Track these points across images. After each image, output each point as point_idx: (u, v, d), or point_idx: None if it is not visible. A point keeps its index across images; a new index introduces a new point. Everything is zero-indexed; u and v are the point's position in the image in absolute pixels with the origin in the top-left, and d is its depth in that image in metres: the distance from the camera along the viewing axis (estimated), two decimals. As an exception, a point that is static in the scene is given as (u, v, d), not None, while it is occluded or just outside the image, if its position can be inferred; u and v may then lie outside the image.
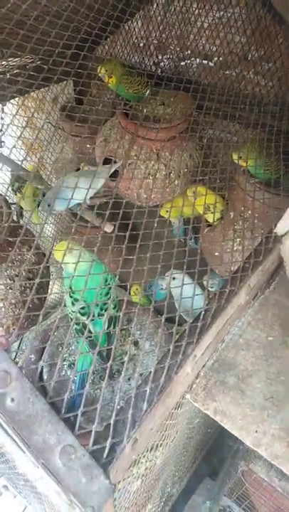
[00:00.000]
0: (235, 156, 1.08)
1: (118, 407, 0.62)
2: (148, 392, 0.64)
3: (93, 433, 0.58)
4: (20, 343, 1.36)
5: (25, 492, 1.21)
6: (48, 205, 1.03)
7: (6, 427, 0.58)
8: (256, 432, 0.79)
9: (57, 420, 0.55)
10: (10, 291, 0.93)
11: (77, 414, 0.59)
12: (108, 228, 1.12)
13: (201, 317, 0.72)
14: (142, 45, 1.53)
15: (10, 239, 0.70)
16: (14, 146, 0.77)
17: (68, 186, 0.87)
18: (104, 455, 0.57)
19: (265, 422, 0.79)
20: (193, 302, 0.79)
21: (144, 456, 0.83)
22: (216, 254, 1.20)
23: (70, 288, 0.78)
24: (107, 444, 0.58)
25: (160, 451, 0.90)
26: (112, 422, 0.60)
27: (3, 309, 0.91)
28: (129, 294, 1.79)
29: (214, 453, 1.86)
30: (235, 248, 1.19)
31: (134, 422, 0.62)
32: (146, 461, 0.85)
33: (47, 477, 0.56)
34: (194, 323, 0.71)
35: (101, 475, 0.54)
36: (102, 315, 0.84)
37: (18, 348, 1.30)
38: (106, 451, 0.58)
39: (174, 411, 0.82)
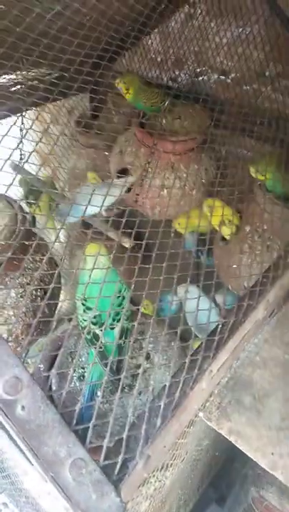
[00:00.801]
0: (252, 170, 1.07)
1: (130, 422, 0.59)
2: (162, 407, 0.61)
3: (105, 447, 0.55)
4: (26, 353, 1.33)
5: (26, 510, 1.16)
6: (62, 215, 1.03)
7: (14, 436, 0.56)
8: (272, 454, 0.75)
9: (68, 432, 0.53)
10: (21, 299, 0.91)
11: (87, 427, 0.56)
12: (126, 243, 1.11)
13: (218, 331, 0.70)
14: (159, 60, 1.56)
15: (25, 242, 0.69)
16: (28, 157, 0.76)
17: (83, 194, 0.86)
18: (116, 471, 0.55)
19: (282, 443, 0.76)
20: (207, 316, 0.77)
21: (153, 476, 0.79)
22: (230, 268, 1.18)
23: (84, 296, 0.76)
24: (119, 459, 0.55)
25: (170, 471, 0.87)
26: (124, 437, 0.57)
27: (13, 317, 0.89)
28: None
29: (222, 477, 1.79)
30: (249, 263, 1.17)
31: (148, 437, 0.59)
32: (155, 481, 0.82)
33: (55, 492, 0.53)
34: (211, 337, 0.69)
35: (112, 492, 0.51)
36: (114, 326, 0.82)
37: (25, 358, 1.28)
38: (118, 467, 0.55)
39: (186, 429, 0.79)
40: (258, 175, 1.06)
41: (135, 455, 0.57)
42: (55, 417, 0.52)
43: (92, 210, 0.81)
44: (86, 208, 0.76)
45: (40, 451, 0.51)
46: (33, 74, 1.20)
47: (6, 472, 1.12)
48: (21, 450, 0.57)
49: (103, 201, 0.79)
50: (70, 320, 1.58)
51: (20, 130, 1.07)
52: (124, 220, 0.78)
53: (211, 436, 1.34)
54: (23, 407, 0.51)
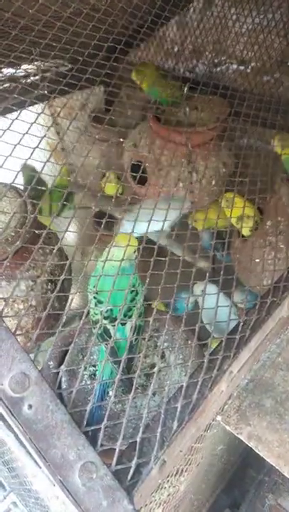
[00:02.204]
0: (276, 141, 1.02)
1: (144, 424, 0.55)
2: (179, 409, 0.57)
3: (117, 451, 0.51)
4: (37, 349, 1.30)
5: (35, 511, 1.13)
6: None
7: (21, 437, 0.52)
8: (296, 461, 0.70)
9: (78, 433, 0.49)
10: (31, 292, 0.88)
11: (98, 429, 0.52)
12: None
13: (239, 329, 0.65)
14: (176, 50, 1.51)
15: (37, 232, 0.66)
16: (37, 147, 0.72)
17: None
18: (129, 476, 0.51)
19: (306, 451, 0.71)
20: (224, 315, 0.73)
21: (167, 481, 0.75)
22: (249, 265, 1.13)
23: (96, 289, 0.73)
24: (133, 464, 0.51)
25: (185, 476, 0.82)
26: (138, 440, 0.53)
27: (23, 311, 0.86)
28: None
29: (235, 483, 1.74)
30: (269, 261, 1.11)
31: (163, 441, 0.55)
32: (169, 487, 0.77)
33: (64, 497, 0.49)
34: (232, 336, 0.64)
35: (124, 499, 0.48)
36: (125, 321, 0.79)
37: (36, 353, 1.24)
38: (131, 472, 0.51)
39: (204, 433, 0.74)
40: (277, 147, 1.01)
41: (150, 460, 0.53)
42: (64, 418, 0.49)
43: (155, 227, 0.77)
44: (149, 225, 0.71)
45: (48, 453, 0.48)
46: (47, 65, 1.17)
47: (15, 472, 1.09)
48: (28, 451, 0.53)
49: (165, 217, 0.74)
50: (81, 317, 1.55)
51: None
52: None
53: (226, 441, 1.29)
54: (30, 406, 0.48)
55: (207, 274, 0.73)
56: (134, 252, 0.79)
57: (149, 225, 0.69)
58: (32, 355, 0.53)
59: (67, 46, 0.79)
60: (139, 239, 0.80)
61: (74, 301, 1.50)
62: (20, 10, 0.75)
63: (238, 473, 1.79)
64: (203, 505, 1.62)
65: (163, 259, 0.68)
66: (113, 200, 0.78)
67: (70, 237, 1.81)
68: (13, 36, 0.74)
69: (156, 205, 0.73)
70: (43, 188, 1.06)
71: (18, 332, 0.52)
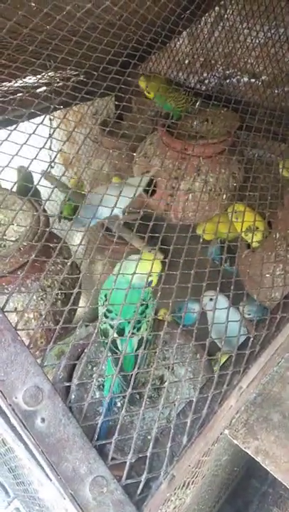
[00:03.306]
0: (280, 165, 1.03)
1: (154, 438, 0.55)
2: (188, 424, 0.57)
3: (128, 465, 0.52)
4: (42, 359, 1.31)
5: (39, 519, 1.13)
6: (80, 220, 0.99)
7: (32, 449, 0.53)
8: (303, 477, 0.70)
9: (89, 447, 0.50)
10: (41, 302, 0.89)
11: (108, 443, 0.53)
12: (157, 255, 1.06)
13: (249, 344, 0.65)
14: (187, 62, 1.53)
15: (49, 244, 0.67)
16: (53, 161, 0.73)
17: (97, 194, 0.80)
18: (139, 491, 0.51)
19: (313, 467, 0.70)
20: (234, 329, 0.73)
21: (174, 494, 0.75)
22: (256, 278, 1.13)
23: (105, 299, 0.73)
24: (142, 478, 0.52)
25: (191, 489, 0.82)
26: (148, 454, 0.54)
27: (33, 320, 0.87)
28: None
29: (239, 494, 1.73)
30: (277, 273, 1.12)
31: (172, 456, 0.56)
32: (176, 499, 0.77)
33: (73, 510, 0.50)
34: (241, 351, 0.65)
35: (134, 513, 0.48)
36: (134, 334, 0.79)
37: (42, 363, 1.25)
38: (140, 486, 0.51)
39: (212, 447, 0.74)
40: (285, 171, 1.02)
41: (159, 474, 0.54)
42: (76, 431, 0.49)
43: (105, 212, 0.77)
44: (97, 209, 0.72)
45: (59, 466, 0.48)
46: (60, 75, 1.19)
47: (20, 479, 1.09)
48: (39, 463, 0.54)
49: (116, 202, 0.74)
50: (87, 325, 1.56)
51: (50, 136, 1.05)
52: (149, 224, 0.74)
53: (231, 452, 1.29)
54: (43, 420, 0.48)
55: (218, 288, 0.73)
56: (150, 276, 0.77)
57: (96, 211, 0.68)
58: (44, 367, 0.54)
59: (82, 61, 0.81)
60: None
61: (80, 309, 1.50)
62: (37, 25, 0.76)
63: (242, 484, 1.78)
64: (206, 515, 1.61)
65: (174, 273, 0.68)
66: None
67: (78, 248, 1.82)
68: (30, 51, 0.76)
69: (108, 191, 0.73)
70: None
71: (31, 345, 0.52)
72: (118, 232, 1.17)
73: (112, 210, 0.73)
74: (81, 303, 1.41)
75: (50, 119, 1.09)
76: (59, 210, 1.49)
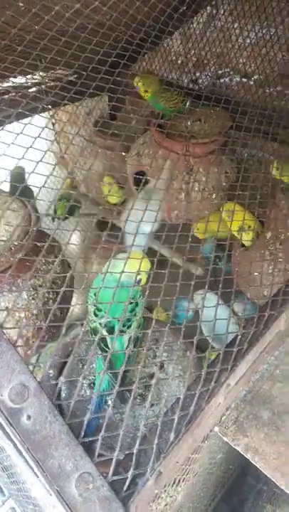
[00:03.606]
0: (275, 165, 1.03)
1: (141, 435, 0.56)
2: (176, 421, 0.58)
3: (114, 461, 0.52)
4: (38, 358, 1.31)
5: (33, 518, 1.13)
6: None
7: (19, 446, 0.53)
8: (292, 474, 0.71)
9: (75, 444, 0.50)
10: (32, 301, 0.89)
11: (96, 440, 0.53)
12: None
13: (237, 342, 0.66)
14: (179, 62, 1.53)
15: (37, 244, 0.67)
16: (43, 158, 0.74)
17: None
18: (125, 487, 0.51)
19: (302, 463, 0.71)
20: (225, 326, 0.73)
21: (165, 491, 0.76)
22: (249, 276, 1.14)
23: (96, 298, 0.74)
24: (129, 475, 0.52)
25: (182, 486, 0.83)
26: (134, 451, 0.54)
27: (24, 320, 0.87)
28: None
29: (234, 492, 1.73)
30: (270, 271, 1.12)
31: (159, 453, 0.56)
32: (166, 497, 0.78)
33: (60, 507, 0.50)
34: (229, 349, 0.65)
35: (120, 509, 0.48)
36: (124, 332, 0.79)
37: (36, 363, 1.25)
38: (127, 483, 0.52)
39: (201, 444, 0.75)
40: (277, 173, 1.02)
41: (146, 471, 0.54)
42: (62, 428, 0.50)
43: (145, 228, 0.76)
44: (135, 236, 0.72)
45: (45, 463, 0.49)
46: (52, 74, 1.19)
47: (14, 478, 1.10)
48: (26, 461, 0.54)
49: (155, 219, 0.75)
50: (82, 324, 1.56)
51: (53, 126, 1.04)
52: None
53: (225, 450, 1.29)
54: (28, 417, 0.49)
55: (206, 285, 0.73)
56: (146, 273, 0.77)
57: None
58: (31, 365, 0.54)
59: (71, 61, 0.81)
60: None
61: (75, 308, 1.51)
62: (26, 25, 0.77)
63: (237, 482, 1.79)
64: (201, 514, 1.62)
65: (163, 271, 0.69)
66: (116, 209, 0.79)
67: (72, 246, 1.83)
68: (18, 51, 0.76)
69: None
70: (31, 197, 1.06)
71: (18, 343, 0.53)
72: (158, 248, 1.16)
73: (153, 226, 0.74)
74: (74, 309, 1.41)
75: (53, 123, 1.09)
76: (52, 209, 1.49)
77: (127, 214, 0.73)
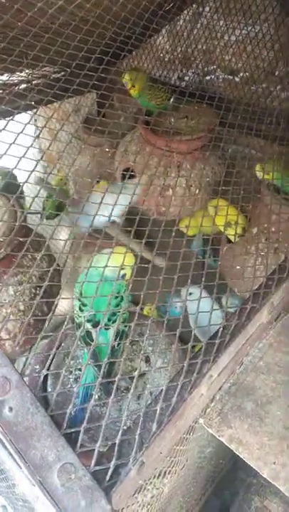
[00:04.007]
0: (258, 168, 1.05)
1: (125, 427, 0.57)
2: (158, 412, 0.59)
3: (96, 452, 0.53)
4: (28, 355, 1.31)
5: (23, 514, 1.14)
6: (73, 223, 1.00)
7: (1, 438, 0.54)
8: (274, 463, 0.72)
9: (57, 435, 0.51)
10: (19, 297, 0.90)
11: (79, 431, 0.54)
12: (159, 261, 1.08)
13: (219, 334, 0.67)
14: (166, 59, 1.54)
15: (21, 239, 0.67)
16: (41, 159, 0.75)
17: (94, 202, 0.81)
18: (107, 477, 0.52)
19: (284, 453, 0.72)
20: (209, 318, 0.74)
21: (150, 483, 0.77)
22: (235, 270, 1.15)
23: (81, 293, 0.74)
24: (111, 465, 0.53)
25: (168, 478, 0.84)
26: (117, 441, 0.55)
27: (11, 316, 0.87)
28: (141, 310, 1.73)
29: (226, 486, 1.75)
30: (257, 266, 1.14)
31: (142, 443, 0.57)
32: (152, 489, 0.79)
33: (43, 497, 0.51)
34: (211, 341, 0.66)
35: (102, 499, 0.49)
36: (109, 326, 0.80)
37: (26, 360, 1.26)
38: (109, 472, 0.53)
39: (186, 436, 0.76)
40: (264, 174, 1.04)
41: (128, 461, 0.55)
42: (44, 420, 0.50)
43: (102, 220, 0.78)
44: (94, 218, 0.73)
45: (27, 454, 0.49)
46: (38, 72, 1.19)
47: (4, 475, 1.10)
48: (10, 453, 0.55)
49: (112, 210, 0.76)
50: (67, 318, 1.56)
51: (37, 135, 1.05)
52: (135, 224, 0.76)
53: (215, 444, 1.30)
54: (10, 409, 0.49)
55: (189, 281, 0.74)
56: (123, 269, 0.78)
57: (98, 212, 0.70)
58: (18, 360, 0.55)
59: (55, 58, 0.81)
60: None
61: (64, 304, 1.51)
62: (8, 22, 0.77)
63: (228, 476, 1.81)
64: (192, 507, 1.63)
65: (146, 266, 0.69)
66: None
67: (61, 243, 1.83)
68: (1, 48, 0.76)
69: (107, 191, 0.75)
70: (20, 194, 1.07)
71: (3, 337, 0.53)
72: (116, 235, 1.17)
73: (109, 218, 0.75)
74: (63, 303, 1.41)
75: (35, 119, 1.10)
76: (41, 207, 1.49)
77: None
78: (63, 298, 0.59)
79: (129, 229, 0.71)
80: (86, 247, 1.69)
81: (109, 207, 0.75)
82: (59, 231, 1.77)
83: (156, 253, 0.78)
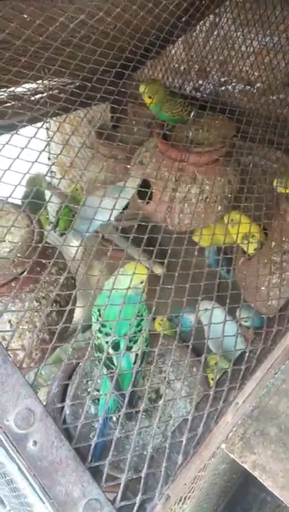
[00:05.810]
0: (277, 182, 1.03)
1: (149, 458, 0.55)
2: (184, 442, 0.57)
3: (122, 486, 0.51)
4: (37, 372, 1.29)
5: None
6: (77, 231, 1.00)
7: (24, 472, 0.52)
8: (300, 493, 0.70)
9: (82, 470, 0.49)
10: (36, 313, 0.88)
11: (103, 464, 0.52)
12: (157, 270, 1.06)
13: (245, 359, 0.65)
14: (182, 69, 1.53)
15: (42, 260, 0.66)
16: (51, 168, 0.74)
17: (90, 206, 0.81)
18: (133, 513, 0.50)
19: (310, 482, 0.70)
20: (230, 340, 0.72)
21: (171, 510, 0.74)
22: (252, 286, 1.13)
23: (100, 314, 0.73)
24: (137, 500, 0.51)
25: (188, 503, 0.81)
26: (142, 474, 0.53)
27: (27, 332, 0.86)
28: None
29: (237, 501, 1.72)
30: (274, 282, 1.11)
31: (168, 476, 0.55)
32: (172, 516, 0.76)
33: (66, 535, 0.49)
34: (237, 366, 0.64)
35: (128, 536, 0.47)
36: (130, 348, 0.77)
37: (35, 376, 1.24)
38: (135, 509, 0.50)
39: (208, 462, 0.74)
40: (280, 187, 1.02)
41: (154, 496, 0.53)
42: (69, 454, 0.48)
43: (98, 223, 0.77)
44: (91, 223, 0.73)
45: (52, 490, 0.47)
46: (55, 83, 1.18)
47: (16, 493, 1.08)
48: (32, 486, 0.53)
49: (110, 215, 0.75)
50: (84, 332, 1.54)
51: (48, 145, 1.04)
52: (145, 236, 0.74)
53: (229, 460, 1.28)
54: (35, 442, 0.48)
55: (199, 296, 0.72)
56: (142, 282, 0.78)
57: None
58: (34, 375, 0.53)
59: (76, 72, 0.80)
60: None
61: (76, 315, 1.50)
62: (30, 37, 0.76)
63: (240, 491, 1.77)
64: (204, 524, 1.60)
65: (169, 287, 0.67)
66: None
67: (71, 252, 1.81)
68: (22, 63, 0.75)
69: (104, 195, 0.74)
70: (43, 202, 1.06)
71: (24, 365, 0.52)
72: (115, 240, 1.16)
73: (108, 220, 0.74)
74: (77, 311, 1.40)
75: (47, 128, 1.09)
76: (54, 222, 1.47)
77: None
78: (78, 306, 0.57)
79: (140, 238, 0.70)
80: (98, 257, 1.68)
81: (105, 210, 0.75)
82: (72, 240, 1.76)
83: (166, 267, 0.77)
